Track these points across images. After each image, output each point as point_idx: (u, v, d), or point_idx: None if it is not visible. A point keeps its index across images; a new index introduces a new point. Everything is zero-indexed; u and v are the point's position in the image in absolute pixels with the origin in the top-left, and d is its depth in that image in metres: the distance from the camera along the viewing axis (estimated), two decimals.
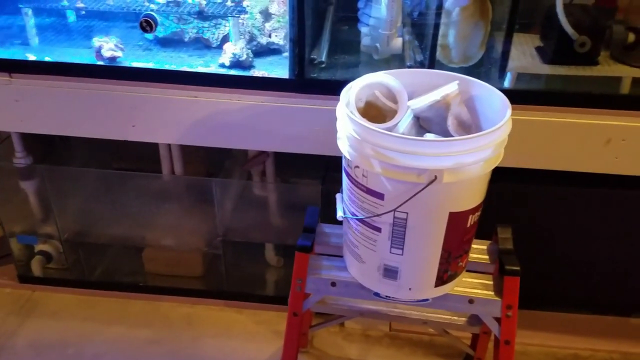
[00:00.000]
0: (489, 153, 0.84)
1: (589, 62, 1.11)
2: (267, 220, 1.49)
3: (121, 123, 1.23)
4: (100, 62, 1.22)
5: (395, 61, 1.25)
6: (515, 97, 1.10)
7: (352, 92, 0.90)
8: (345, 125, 0.88)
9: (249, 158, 1.44)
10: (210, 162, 1.49)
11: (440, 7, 1.15)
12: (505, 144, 0.87)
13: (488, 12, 1.14)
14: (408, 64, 1.22)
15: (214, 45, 1.29)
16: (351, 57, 1.28)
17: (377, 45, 1.23)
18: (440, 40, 1.18)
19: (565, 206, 1.26)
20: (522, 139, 1.11)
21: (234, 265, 1.51)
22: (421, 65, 1.18)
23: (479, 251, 1.06)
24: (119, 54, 1.23)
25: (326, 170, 1.36)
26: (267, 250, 1.55)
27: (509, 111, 0.86)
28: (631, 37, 1.09)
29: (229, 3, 1.25)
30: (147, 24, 1.14)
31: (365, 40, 1.26)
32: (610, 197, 1.23)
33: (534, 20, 1.19)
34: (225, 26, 1.28)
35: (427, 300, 0.98)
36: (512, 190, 1.24)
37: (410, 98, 0.96)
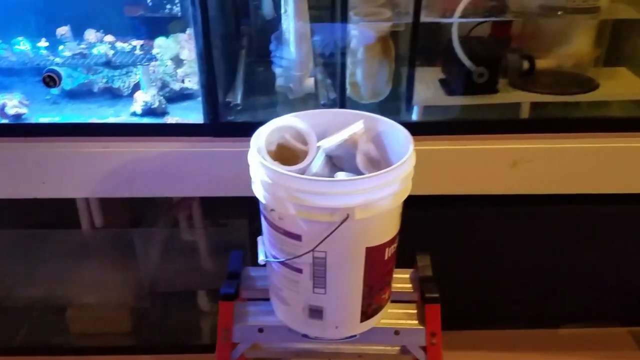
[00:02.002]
0: (397, 187, 0.86)
1: (488, 90, 1.18)
2: (197, 266, 1.46)
3: (30, 181, 1.18)
4: (5, 121, 1.18)
5: (310, 100, 1.28)
6: (423, 129, 1.16)
7: (261, 138, 0.90)
8: (258, 171, 0.88)
9: (174, 203, 1.41)
10: (133, 211, 1.45)
11: (346, 47, 1.19)
12: (412, 176, 0.90)
13: (391, 50, 1.20)
14: (322, 102, 1.25)
15: (125, 94, 1.27)
16: (267, 97, 1.29)
17: (291, 85, 1.25)
18: (349, 79, 1.22)
19: (482, 226, 1.31)
20: (433, 167, 1.15)
21: (165, 317, 1.46)
22: (334, 103, 1.21)
23: (402, 280, 1.08)
24: (23, 110, 1.18)
25: (253, 210, 1.35)
26: (199, 296, 1.51)
27: (412, 146, 0.90)
28: (526, 64, 1.17)
29: (137, 51, 1.24)
30: (51, 79, 1.11)
31: (279, 81, 1.28)
32: (523, 214, 1.29)
33: (436, 55, 1.25)
34: (136, 74, 1.27)
35: (354, 336, 0.98)
36: (431, 215, 1.28)
37: (322, 137, 0.98)
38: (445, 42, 1.18)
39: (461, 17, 1.10)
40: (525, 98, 1.17)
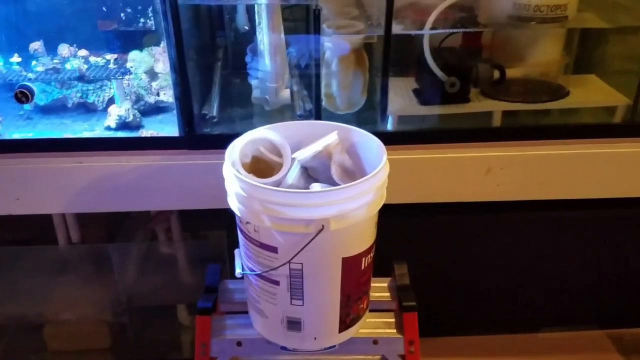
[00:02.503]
0: (371, 197, 0.87)
1: (460, 100, 1.19)
2: (177, 279, 1.44)
3: (4, 197, 1.16)
4: None
5: (286, 111, 1.28)
6: (398, 138, 1.18)
7: (236, 151, 0.91)
8: (233, 184, 0.88)
9: (151, 217, 1.40)
10: (110, 225, 1.44)
11: (321, 58, 1.20)
12: (387, 185, 0.91)
13: (365, 61, 1.21)
14: (298, 113, 1.26)
15: (99, 109, 1.26)
16: (243, 109, 1.30)
17: (267, 97, 1.25)
18: (325, 90, 1.23)
19: (458, 233, 1.33)
20: (409, 176, 1.16)
21: (144, 332, 1.44)
22: (310, 114, 1.22)
23: (380, 289, 1.09)
24: None
25: (231, 222, 1.35)
26: (179, 310, 1.49)
27: (385, 156, 0.90)
28: (496, 73, 1.19)
29: (111, 65, 1.23)
30: (23, 95, 1.10)
31: (255, 93, 1.28)
32: (498, 220, 1.31)
33: (410, 65, 1.27)
34: (110, 88, 1.26)
35: (333, 347, 0.98)
36: (408, 224, 1.29)
37: (297, 149, 0.98)
38: (418, 53, 1.19)
39: (432, 28, 1.12)
40: (496, 106, 1.19)
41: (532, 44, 1.16)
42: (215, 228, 1.39)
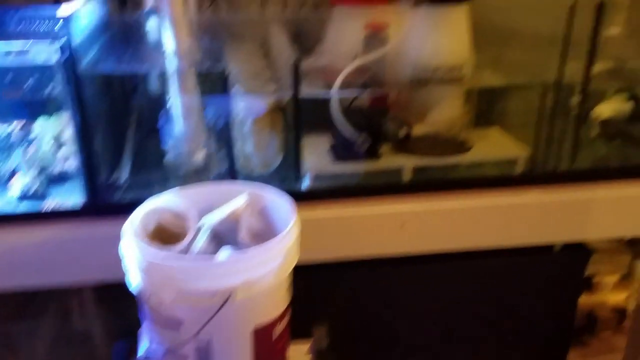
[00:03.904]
0: (280, 261, 0.86)
1: (372, 156, 1.23)
2: (92, 356, 1.36)
3: None
4: None
5: (201, 173, 1.27)
6: (314, 196, 1.18)
7: (136, 222, 0.88)
8: (132, 257, 0.85)
9: (61, 292, 1.32)
10: (16, 303, 1.34)
11: (235, 119, 1.21)
12: (301, 244, 0.90)
13: (279, 121, 1.23)
14: (213, 175, 1.25)
15: (2, 179, 1.20)
16: (157, 173, 1.27)
17: (181, 159, 1.24)
18: (240, 151, 1.23)
19: (377, 288, 1.33)
20: (325, 233, 1.17)
21: None
22: (226, 175, 1.21)
23: (299, 352, 1.06)
24: None
25: None
26: None
27: (294, 217, 0.90)
28: (403, 130, 1.23)
29: (15, 133, 1.19)
30: None
31: (169, 156, 1.26)
32: (415, 273, 1.33)
33: (325, 122, 1.30)
34: (15, 158, 1.21)
35: None
36: (327, 282, 1.29)
37: (206, 213, 0.96)
38: (331, 111, 1.22)
39: (340, 89, 1.16)
40: (406, 162, 1.23)
41: (434, 102, 1.22)
42: (128, 302, 1.32)
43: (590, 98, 1.25)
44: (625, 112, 1.37)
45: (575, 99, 1.21)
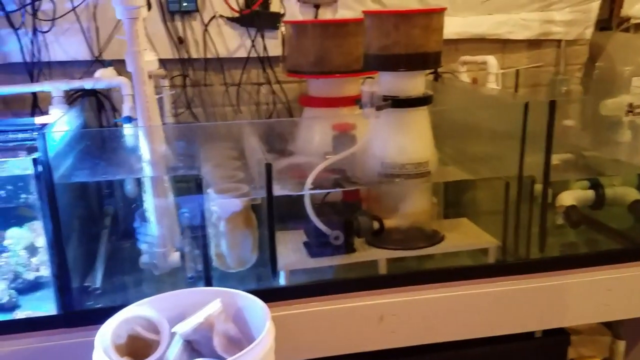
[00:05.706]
0: None
1: (346, 251, 1.24)
2: None
3: None
4: None
5: (177, 274, 1.26)
6: (290, 293, 1.18)
7: (107, 334, 0.86)
8: None
9: None
10: None
11: (209, 220, 1.22)
12: (273, 349, 0.89)
13: (252, 220, 1.25)
14: (189, 275, 1.25)
15: None
16: (132, 276, 1.26)
17: (155, 261, 1.23)
18: (215, 250, 1.24)
19: None
20: (303, 331, 1.15)
21: None
22: (202, 275, 1.20)
23: None
24: None
25: None
26: None
27: (268, 322, 0.90)
28: (376, 224, 1.26)
29: None
30: None
31: (144, 258, 1.26)
32: None
33: (299, 219, 1.32)
34: None
35: None
36: None
37: (179, 320, 0.94)
38: (304, 208, 1.24)
39: (312, 188, 1.19)
40: (380, 255, 1.25)
41: (403, 196, 1.26)
42: None
43: (553, 187, 1.31)
44: (587, 200, 1.42)
45: (537, 189, 1.26)
